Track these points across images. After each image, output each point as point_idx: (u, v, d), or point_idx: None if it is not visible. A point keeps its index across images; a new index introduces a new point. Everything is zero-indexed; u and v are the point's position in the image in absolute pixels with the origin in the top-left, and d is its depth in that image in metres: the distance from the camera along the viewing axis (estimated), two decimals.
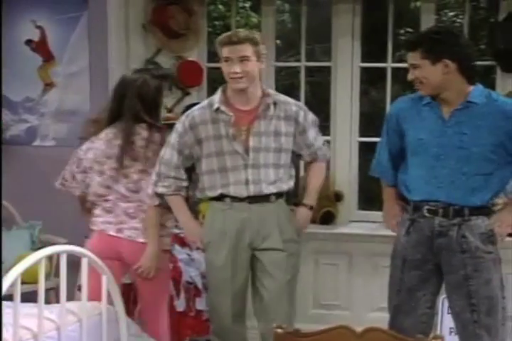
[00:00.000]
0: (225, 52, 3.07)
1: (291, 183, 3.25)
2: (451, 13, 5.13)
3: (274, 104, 3.17)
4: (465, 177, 2.92)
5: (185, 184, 3.24)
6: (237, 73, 3.05)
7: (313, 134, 3.26)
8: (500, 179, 2.97)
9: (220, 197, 3.18)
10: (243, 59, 3.05)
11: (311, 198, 3.32)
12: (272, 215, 3.16)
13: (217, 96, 3.19)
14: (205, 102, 3.25)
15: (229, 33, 3.12)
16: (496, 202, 3.10)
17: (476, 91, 2.94)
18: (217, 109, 3.15)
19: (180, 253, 3.90)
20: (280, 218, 3.17)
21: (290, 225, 3.21)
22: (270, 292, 3.16)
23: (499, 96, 3.01)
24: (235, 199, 3.15)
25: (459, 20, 5.02)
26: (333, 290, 4.33)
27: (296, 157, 3.32)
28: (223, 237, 3.16)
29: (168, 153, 3.22)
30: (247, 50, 3.05)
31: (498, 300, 2.95)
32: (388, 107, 4.40)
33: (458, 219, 2.93)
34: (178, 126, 3.23)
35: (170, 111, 4.47)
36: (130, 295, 3.80)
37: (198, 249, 3.38)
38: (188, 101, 4.49)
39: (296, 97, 4.06)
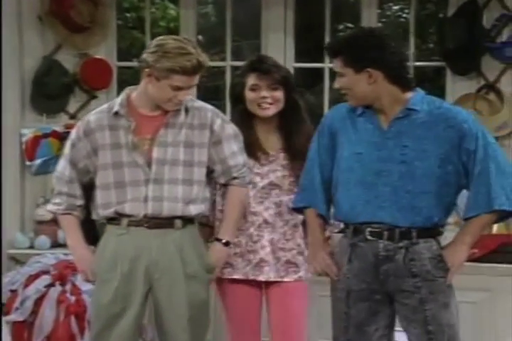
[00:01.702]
0: (178, 80, 2.94)
1: (203, 207, 3.08)
2: (396, 7, 5.27)
3: (186, 110, 3.05)
4: (410, 196, 2.82)
5: (79, 202, 3.12)
6: (182, 100, 3.01)
7: (230, 149, 3.09)
8: (449, 199, 2.89)
9: (116, 219, 3.04)
10: (192, 87, 3.02)
11: (226, 232, 3.11)
12: (174, 244, 3.01)
13: (118, 99, 3.08)
14: (105, 106, 3.14)
15: (186, 58, 2.91)
16: (446, 222, 2.99)
17: (417, 97, 2.88)
18: (116, 113, 3.03)
19: (83, 284, 3.71)
20: (185, 248, 3.02)
21: (197, 259, 3.04)
22: (169, 335, 3.05)
23: (443, 103, 2.94)
24: (133, 222, 3.02)
25: (404, 15, 5.10)
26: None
27: (209, 177, 3.14)
28: (114, 267, 3.01)
29: (61, 165, 3.13)
30: (198, 77, 2.99)
31: (458, 329, 2.88)
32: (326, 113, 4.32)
33: (405, 241, 2.85)
34: (72, 133, 3.12)
35: (72, 117, 4.35)
36: (23, 335, 3.72)
37: (88, 281, 3.19)
38: (94, 106, 4.30)
39: (221, 102, 4.10)
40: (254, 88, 3.17)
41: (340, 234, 3.05)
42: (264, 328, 3.37)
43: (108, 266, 3.02)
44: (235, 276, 3.21)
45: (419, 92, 2.89)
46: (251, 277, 3.19)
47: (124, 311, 2.99)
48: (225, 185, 3.13)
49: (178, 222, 3.01)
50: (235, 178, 3.10)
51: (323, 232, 3.04)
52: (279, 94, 3.19)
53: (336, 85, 2.90)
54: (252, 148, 3.19)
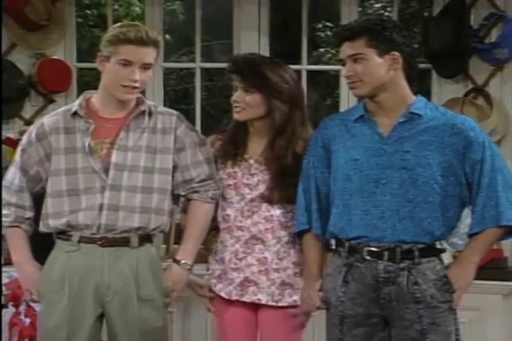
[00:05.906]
0: (125, 51, 2.89)
1: (163, 220, 3.00)
2: (378, 5, 5.26)
3: (150, 114, 3.02)
4: (411, 205, 2.81)
5: (28, 214, 3.05)
6: (136, 81, 2.91)
7: (194, 157, 3.04)
8: (452, 213, 2.87)
9: (67, 233, 2.97)
10: (146, 67, 2.92)
11: (185, 253, 3.04)
12: (129, 264, 2.96)
13: (77, 101, 3.04)
14: (61, 108, 3.10)
15: (132, 28, 2.90)
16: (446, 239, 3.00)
17: (420, 102, 2.87)
18: (75, 113, 2.99)
19: (39, 305, 3.52)
20: (140, 270, 2.97)
21: (154, 281, 2.99)
22: None
23: (447, 110, 2.95)
24: (84, 238, 2.95)
25: (386, 14, 5.11)
26: None
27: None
28: (61, 288, 2.95)
29: (10, 173, 3.06)
30: (152, 55, 2.93)
31: None
32: None
33: (407, 262, 2.83)
34: (24, 138, 3.06)
35: (28, 123, 4.28)
36: None
37: (33, 301, 3.15)
38: (52, 110, 4.03)
39: (191, 105, 3.96)
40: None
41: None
42: None
43: (55, 286, 2.95)
44: (222, 294, 3.09)
45: (422, 98, 2.90)
46: (234, 297, 3.07)
47: (72, 336, 2.93)
48: (188, 199, 3.06)
49: (134, 240, 2.95)
50: (195, 191, 3.03)
51: (320, 263, 2.97)
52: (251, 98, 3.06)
53: (348, 72, 2.83)
54: (240, 155, 3.10)
